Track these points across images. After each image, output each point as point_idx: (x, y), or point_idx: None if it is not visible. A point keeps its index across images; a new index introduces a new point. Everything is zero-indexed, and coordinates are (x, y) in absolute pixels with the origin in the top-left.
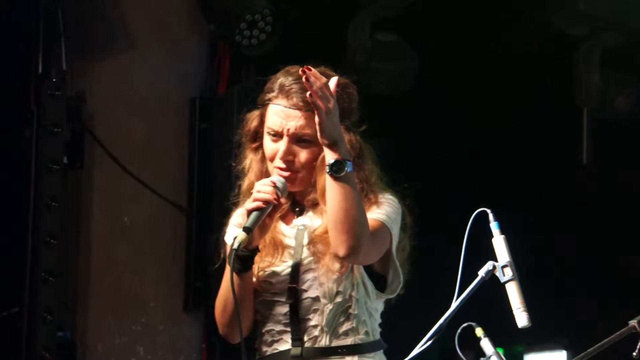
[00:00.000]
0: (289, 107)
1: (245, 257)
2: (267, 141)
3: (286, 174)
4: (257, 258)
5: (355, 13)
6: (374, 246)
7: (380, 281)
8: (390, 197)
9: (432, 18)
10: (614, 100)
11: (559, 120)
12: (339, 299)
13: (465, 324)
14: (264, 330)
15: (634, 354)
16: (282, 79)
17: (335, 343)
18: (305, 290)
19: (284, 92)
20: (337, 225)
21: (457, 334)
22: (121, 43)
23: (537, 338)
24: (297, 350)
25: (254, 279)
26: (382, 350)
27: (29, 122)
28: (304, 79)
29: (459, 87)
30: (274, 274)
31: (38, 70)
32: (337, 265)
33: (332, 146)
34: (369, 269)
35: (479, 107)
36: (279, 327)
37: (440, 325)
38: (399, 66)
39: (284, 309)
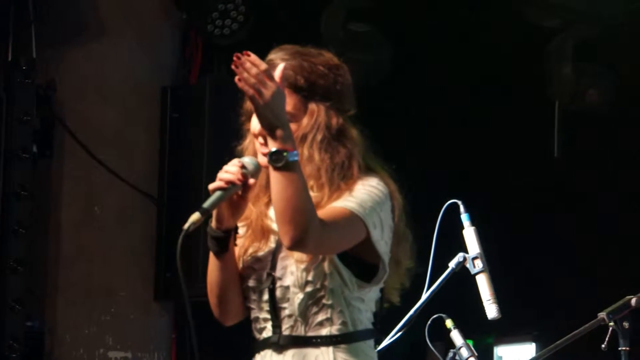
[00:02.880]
0: None
1: (219, 238)
2: (253, 118)
3: (266, 150)
4: (247, 242)
5: (328, 3)
6: (335, 236)
7: (369, 271)
8: (375, 183)
9: (405, 8)
10: (585, 93)
11: (530, 113)
12: (309, 289)
13: (435, 316)
14: (252, 317)
15: (603, 345)
16: (268, 57)
17: (310, 333)
18: (280, 278)
19: None
20: (279, 216)
21: (427, 325)
22: (92, 31)
23: (507, 330)
24: (275, 338)
25: (240, 265)
26: (367, 341)
27: None
28: (232, 66)
29: (431, 78)
30: (258, 260)
31: (8, 57)
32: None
33: (272, 135)
34: (353, 259)
35: (450, 98)
36: (263, 314)
37: (411, 316)
38: (373, 57)
39: (266, 295)
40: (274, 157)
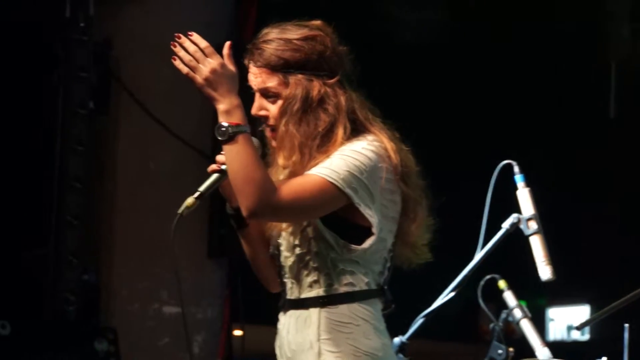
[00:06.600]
0: (249, 64)
1: (233, 216)
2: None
3: (271, 134)
4: None
5: None
6: (297, 203)
7: (367, 233)
8: (360, 147)
9: None
10: None
11: (586, 74)
12: (298, 251)
13: (488, 276)
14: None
15: None
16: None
17: (303, 295)
18: (282, 244)
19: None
20: (233, 188)
21: (480, 286)
22: None
23: (561, 291)
24: (282, 301)
25: (266, 236)
26: (362, 302)
27: (57, 67)
28: (171, 46)
29: (486, 39)
30: (275, 230)
31: (65, 15)
32: None
33: (217, 109)
34: (344, 222)
35: (506, 59)
36: (281, 280)
37: (464, 277)
38: (426, 16)
39: (278, 262)
40: (218, 131)
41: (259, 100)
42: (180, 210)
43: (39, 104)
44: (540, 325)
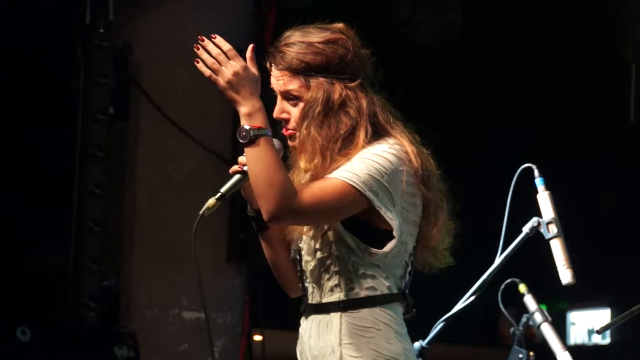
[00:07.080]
0: (270, 67)
1: (253, 218)
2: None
3: (287, 133)
4: None
5: None
6: (318, 207)
7: (388, 237)
8: (380, 150)
9: None
10: None
11: (606, 76)
12: (319, 255)
13: (508, 280)
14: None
15: None
16: (276, 42)
17: (324, 300)
18: (303, 248)
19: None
20: (254, 191)
21: (501, 290)
22: None
23: (582, 295)
24: (303, 306)
25: (286, 239)
26: (383, 306)
27: (76, 72)
28: (195, 49)
29: (504, 41)
30: (295, 235)
31: (85, 21)
32: None
33: (239, 113)
34: (366, 226)
35: (524, 61)
36: (302, 284)
37: (484, 281)
38: (444, 19)
39: (299, 266)
40: (240, 134)
41: (280, 103)
42: (201, 211)
43: (58, 110)
44: (561, 329)
